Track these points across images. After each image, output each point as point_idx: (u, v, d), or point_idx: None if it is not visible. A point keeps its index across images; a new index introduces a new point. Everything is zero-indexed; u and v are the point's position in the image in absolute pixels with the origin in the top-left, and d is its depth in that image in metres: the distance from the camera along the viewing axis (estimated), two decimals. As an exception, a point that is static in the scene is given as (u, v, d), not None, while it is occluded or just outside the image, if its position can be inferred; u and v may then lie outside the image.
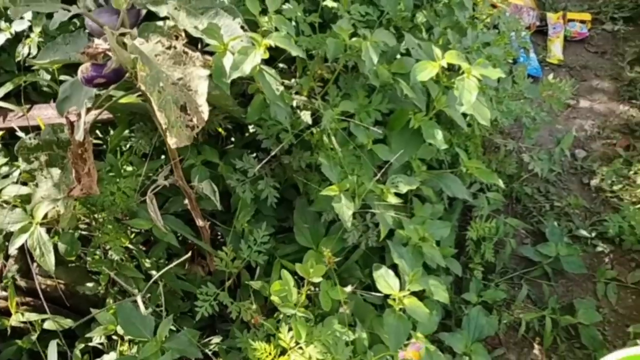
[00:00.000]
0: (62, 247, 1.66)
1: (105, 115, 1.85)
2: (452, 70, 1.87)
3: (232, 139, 1.91)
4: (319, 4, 1.87)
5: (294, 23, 1.83)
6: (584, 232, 2.45)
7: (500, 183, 1.84)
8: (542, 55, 3.22)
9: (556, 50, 3.20)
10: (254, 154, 1.80)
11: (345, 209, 1.56)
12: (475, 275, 2.20)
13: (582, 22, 3.31)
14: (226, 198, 1.86)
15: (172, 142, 1.18)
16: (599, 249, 2.41)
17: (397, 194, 1.65)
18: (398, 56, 1.86)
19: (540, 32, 3.34)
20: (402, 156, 1.69)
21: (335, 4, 1.85)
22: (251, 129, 1.82)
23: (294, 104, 1.68)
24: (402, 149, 1.74)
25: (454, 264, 2.07)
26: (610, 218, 2.34)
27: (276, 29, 1.46)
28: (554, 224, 2.42)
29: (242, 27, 1.39)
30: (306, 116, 1.66)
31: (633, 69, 3.10)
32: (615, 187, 2.60)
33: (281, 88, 1.40)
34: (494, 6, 3.31)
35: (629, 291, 2.31)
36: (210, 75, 1.24)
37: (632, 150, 2.75)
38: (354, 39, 1.64)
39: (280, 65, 2.02)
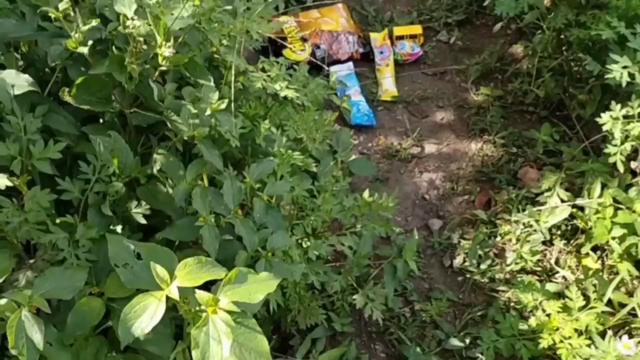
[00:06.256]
0: None
1: None
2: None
3: None
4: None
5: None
6: (456, 342, 1.93)
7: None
8: (373, 91, 2.63)
9: (387, 83, 2.62)
10: None
11: None
12: None
13: (413, 37, 2.75)
14: None
15: None
16: (477, 362, 1.91)
17: None
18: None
19: (367, 59, 2.74)
20: None
21: None
22: None
23: None
24: None
25: None
26: (482, 338, 1.81)
27: None
28: (417, 350, 1.88)
29: None
30: None
31: (479, 90, 2.59)
32: (482, 266, 2.09)
33: None
34: (305, 39, 2.70)
35: (521, 418, 1.82)
36: None
37: (494, 206, 2.24)
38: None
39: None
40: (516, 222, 2.14)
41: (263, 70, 1.76)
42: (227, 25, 1.58)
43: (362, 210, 1.53)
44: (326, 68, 2.54)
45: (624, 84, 1.66)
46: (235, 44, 1.72)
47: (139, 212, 1.34)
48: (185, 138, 1.33)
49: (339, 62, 2.69)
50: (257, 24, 1.73)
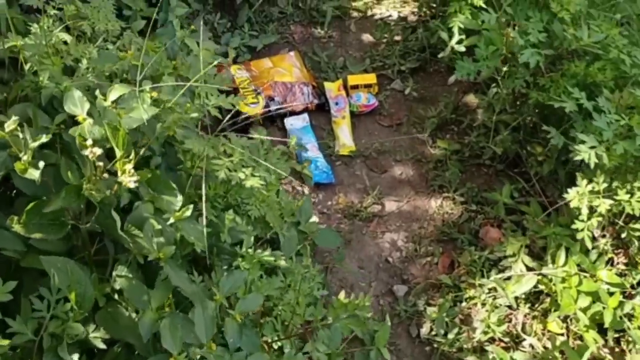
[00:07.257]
0: None
1: None
2: None
3: None
4: None
5: None
6: (427, 421, 1.89)
7: None
8: (330, 145, 2.56)
9: (344, 137, 2.55)
10: None
11: None
12: None
13: (368, 86, 2.70)
14: None
15: None
16: None
17: None
18: None
19: (322, 110, 2.67)
20: None
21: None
22: None
23: None
24: None
25: None
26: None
27: None
28: None
29: None
30: None
31: (436, 144, 2.56)
32: (450, 335, 2.05)
33: None
34: (258, 92, 2.60)
35: None
36: None
37: (458, 268, 2.22)
38: None
39: None
40: (481, 286, 2.11)
41: (224, 152, 1.66)
42: (183, 110, 1.49)
43: (338, 312, 1.46)
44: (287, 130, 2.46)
45: (592, 166, 1.66)
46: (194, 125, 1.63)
47: (97, 336, 1.22)
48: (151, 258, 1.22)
49: (294, 113, 2.61)
50: (214, 98, 1.66)
